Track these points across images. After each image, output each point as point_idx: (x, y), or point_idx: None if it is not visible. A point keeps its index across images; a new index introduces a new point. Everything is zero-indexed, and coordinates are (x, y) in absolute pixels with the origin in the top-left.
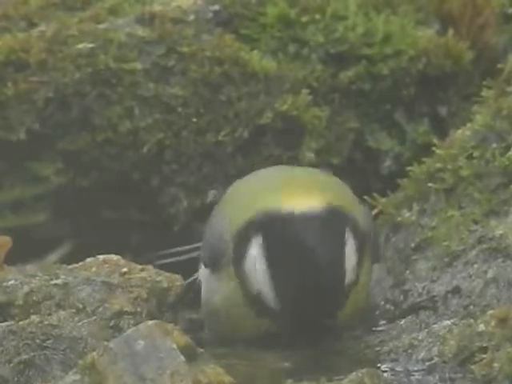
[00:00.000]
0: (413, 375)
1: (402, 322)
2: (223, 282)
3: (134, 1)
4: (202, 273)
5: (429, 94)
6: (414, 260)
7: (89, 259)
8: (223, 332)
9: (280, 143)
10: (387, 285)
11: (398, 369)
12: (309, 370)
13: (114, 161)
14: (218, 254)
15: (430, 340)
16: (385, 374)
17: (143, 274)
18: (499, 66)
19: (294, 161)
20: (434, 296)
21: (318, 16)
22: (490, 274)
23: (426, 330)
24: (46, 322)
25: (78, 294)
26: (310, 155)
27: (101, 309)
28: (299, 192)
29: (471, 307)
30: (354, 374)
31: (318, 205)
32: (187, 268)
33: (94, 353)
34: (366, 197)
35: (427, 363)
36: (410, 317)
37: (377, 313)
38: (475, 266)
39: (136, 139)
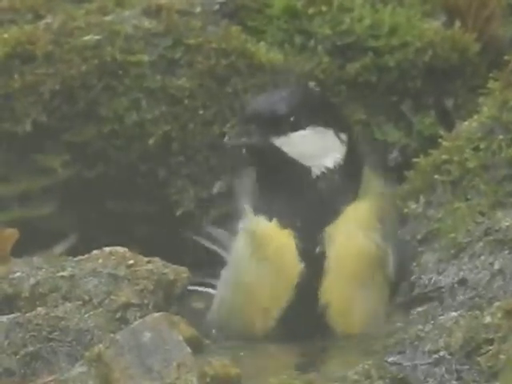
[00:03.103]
0: (419, 367)
1: (409, 313)
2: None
3: None
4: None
5: (435, 85)
6: (420, 252)
7: (95, 251)
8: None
9: None
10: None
11: (404, 361)
12: (316, 361)
13: (120, 153)
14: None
15: (437, 332)
16: (391, 366)
17: (150, 266)
18: (506, 57)
19: None
20: (441, 288)
21: (324, 8)
22: (496, 266)
23: (433, 322)
24: (53, 314)
25: (84, 285)
26: None
27: (107, 301)
28: None
29: (477, 299)
30: (360, 365)
31: None
32: None
33: (101, 345)
34: None
35: (434, 355)
36: (416, 309)
37: None
38: (481, 257)
39: (142, 131)
